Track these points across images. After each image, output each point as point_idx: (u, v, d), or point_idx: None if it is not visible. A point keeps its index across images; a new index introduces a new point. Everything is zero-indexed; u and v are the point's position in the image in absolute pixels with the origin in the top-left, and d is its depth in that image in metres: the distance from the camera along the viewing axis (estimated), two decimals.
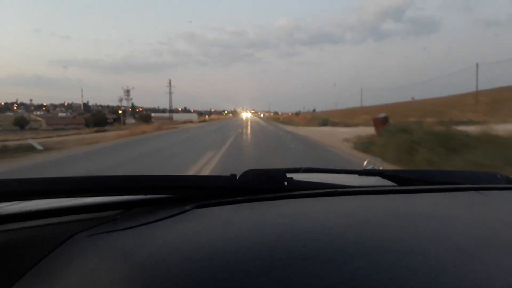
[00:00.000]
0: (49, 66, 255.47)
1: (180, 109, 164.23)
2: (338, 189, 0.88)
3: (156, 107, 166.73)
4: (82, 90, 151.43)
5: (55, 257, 0.65)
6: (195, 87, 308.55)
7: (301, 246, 0.52)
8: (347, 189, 0.89)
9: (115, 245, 0.61)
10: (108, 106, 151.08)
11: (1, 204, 0.81)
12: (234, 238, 0.58)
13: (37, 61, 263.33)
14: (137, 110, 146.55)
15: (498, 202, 0.83)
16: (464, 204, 0.81)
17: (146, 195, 0.82)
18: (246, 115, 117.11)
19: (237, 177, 0.84)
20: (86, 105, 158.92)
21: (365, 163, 1.42)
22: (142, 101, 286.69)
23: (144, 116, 47.18)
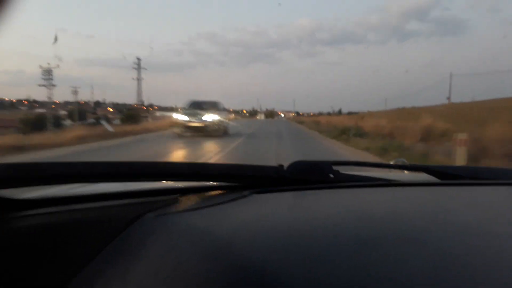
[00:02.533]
0: (74, 65, 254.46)
1: None
2: (392, 181, 0.88)
3: (174, 105, 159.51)
4: (92, 87, 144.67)
5: (127, 237, 0.66)
6: (214, 87, 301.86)
7: (384, 229, 0.52)
8: (401, 182, 0.89)
9: (190, 224, 0.61)
10: (124, 104, 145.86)
11: (67, 186, 0.85)
12: (308, 220, 0.59)
13: (62, 60, 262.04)
14: (150, 109, 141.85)
15: None
16: (504, 199, 0.79)
17: (201, 181, 0.86)
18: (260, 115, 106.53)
19: (284, 167, 0.85)
20: (99, 103, 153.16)
21: (391, 162, 1.34)
22: (161, 100, 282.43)
23: (131, 114, 37.09)
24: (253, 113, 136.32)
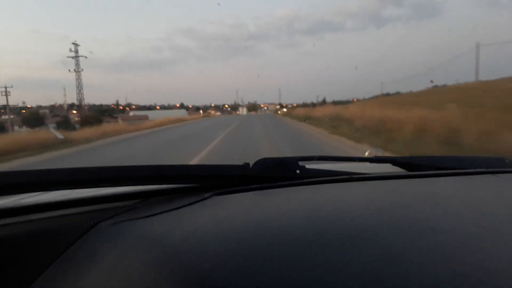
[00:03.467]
0: (49, 67, 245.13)
1: (177, 105, 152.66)
2: (354, 176, 0.89)
3: (153, 104, 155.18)
4: (64, 89, 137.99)
5: (81, 246, 0.65)
6: (195, 82, 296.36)
7: (332, 227, 0.53)
8: (362, 175, 0.90)
9: (143, 232, 0.61)
10: (101, 105, 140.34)
11: (21, 195, 0.82)
12: (261, 221, 0.58)
13: (36, 62, 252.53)
14: (127, 109, 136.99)
15: (502, 186, 0.84)
16: (479, 186, 0.83)
17: (162, 184, 0.83)
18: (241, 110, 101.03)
19: (250, 166, 0.85)
20: (74, 105, 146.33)
21: (367, 152, 1.42)
22: (140, 99, 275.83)
23: (92, 116, 32.90)
24: (234, 107, 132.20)
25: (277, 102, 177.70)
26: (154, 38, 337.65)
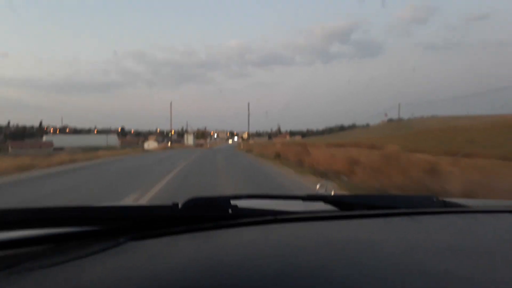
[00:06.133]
0: None
1: (119, 129, 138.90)
2: (278, 217, 0.88)
3: (93, 127, 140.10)
4: None
5: None
6: (143, 107, 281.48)
7: (231, 278, 0.53)
8: (288, 216, 0.91)
9: (40, 285, 0.57)
10: (24, 127, 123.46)
11: None
12: (168, 273, 0.56)
13: None
14: (57, 131, 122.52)
15: (433, 226, 0.86)
16: (400, 229, 0.83)
17: (78, 227, 0.76)
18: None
19: (180, 206, 0.82)
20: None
21: (317, 186, 1.45)
22: (80, 122, 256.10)
23: None
24: (181, 134, 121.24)
25: (228, 130, 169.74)
26: (102, 61, 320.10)
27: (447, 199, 1.11)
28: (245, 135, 44.50)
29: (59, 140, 73.26)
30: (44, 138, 79.17)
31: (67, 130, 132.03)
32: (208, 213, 0.83)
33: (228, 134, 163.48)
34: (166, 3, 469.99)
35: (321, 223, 0.87)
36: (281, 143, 27.53)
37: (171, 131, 70.68)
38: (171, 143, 61.30)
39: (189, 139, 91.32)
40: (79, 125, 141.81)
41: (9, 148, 63.39)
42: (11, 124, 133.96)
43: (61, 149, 53.60)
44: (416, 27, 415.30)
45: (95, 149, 37.49)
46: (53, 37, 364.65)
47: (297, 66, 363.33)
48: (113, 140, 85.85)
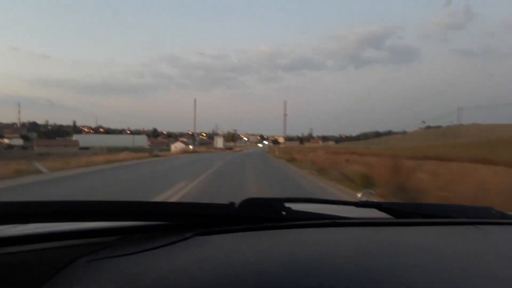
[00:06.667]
0: (28, 86, 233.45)
1: (151, 130, 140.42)
2: (337, 220, 0.89)
3: (126, 127, 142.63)
4: (19, 105, 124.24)
5: (57, 282, 0.64)
6: (174, 109, 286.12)
7: (304, 276, 0.54)
8: (345, 221, 0.91)
9: (118, 271, 0.61)
10: (69, 126, 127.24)
11: (0, 226, 0.80)
12: (239, 266, 0.59)
13: (14, 80, 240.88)
14: (86, 130, 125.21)
15: (493, 236, 0.85)
16: (459, 238, 0.83)
17: (144, 221, 0.82)
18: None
19: (236, 205, 0.84)
20: (31, 124, 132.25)
21: (359, 194, 1.42)
22: (114, 122, 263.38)
23: None
24: (211, 136, 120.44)
25: (258, 133, 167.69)
26: (137, 64, 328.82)
27: (505, 212, 1.06)
28: (281, 139, 40.39)
29: (85, 140, 74.03)
30: (74, 137, 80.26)
31: (101, 130, 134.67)
32: (263, 214, 0.85)
33: (258, 138, 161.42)
34: (200, 9, 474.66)
35: (379, 229, 0.86)
36: (324, 151, 23.54)
37: (195, 132, 67.51)
38: (194, 146, 55.51)
39: (219, 142, 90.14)
40: (112, 125, 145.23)
41: (34, 146, 64.29)
42: (49, 123, 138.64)
43: (86, 148, 53.58)
44: (453, 33, 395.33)
45: (121, 150, 36.28)
46: (91, 40, 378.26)
47: (328, 70, 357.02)
48: (142, 140, 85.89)
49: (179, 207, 0.84)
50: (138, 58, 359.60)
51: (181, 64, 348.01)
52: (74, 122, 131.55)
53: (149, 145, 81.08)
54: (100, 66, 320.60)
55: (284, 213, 0.86)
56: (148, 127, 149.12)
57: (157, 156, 30.26)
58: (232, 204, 0.82)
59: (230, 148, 79.49)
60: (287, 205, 0.88)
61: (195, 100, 55.99)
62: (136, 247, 0.70)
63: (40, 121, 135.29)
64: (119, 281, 0.57)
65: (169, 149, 53.10)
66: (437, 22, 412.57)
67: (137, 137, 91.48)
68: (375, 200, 1.25)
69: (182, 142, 72.94)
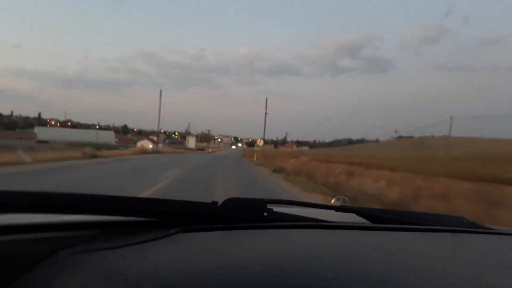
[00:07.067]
0: None
1: (121, 127, 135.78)
2: (318, 223, 0.91)
3: (96, 123, 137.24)
4: None
5: (37, 274, 0.63)
6: (148, 107, 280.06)
7: (286, 276, 0.55)
8: (326, 223, 0.92)
9: (103, 264, 0.60)
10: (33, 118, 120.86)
11: None
12: (222, 264, 0.60)
13: None
14: (52, 122, 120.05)
15: (467, 244, 0.89)
16: (436, 244, 0.86)
17: (126, 216, 0.81)
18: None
19: (218, 204, 0.85)
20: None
21: (333, 200, 1.48)
22: (85, 117, 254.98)
23: None
24: (183, 136, 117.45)
25: (233, 135, 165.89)
26: (112, 59, 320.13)
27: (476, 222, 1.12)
28: (260, 142, 37.39)
29: (47, 133, 69.75)
30: (36, 130, 75.69)
31: (69, 124, 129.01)
32: (244, 214, 0.85)
33: (232, 140, 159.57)
34: (179, 7, 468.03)
35: (360, 232, 0.89)
36: (308, 157, 19.76)
37: (160, 130, 63.07)
38: (156, 146, 49.09)
39: (191, 142, 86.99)
40: (83, 120, 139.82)
41: None
42: (15, 114, 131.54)
43: (45, 142, 50.30)
44: (428, 47, 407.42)
45: (84, 145, 33.47)
46: (65, 32, 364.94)
47: (306, 77, 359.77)
48: (109, 136, 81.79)
49: (161, 204, 0.82)
50: (114, 54, 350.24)
51: (157, 62, 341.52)
52: (39, 114, 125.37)
53: (116, 142, 77.50)
54: (74, 60, 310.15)
55: (265, 214, 0.87)
56: (120, 123, 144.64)
57: (95, 157, 21.03)
58: (214, 203, 0.83)
59: (202, 149, 76.88)
60: (269, 206, 0.88)
61: (160, 91, 50.98)
62: (118, 241, 0.69)
63: (6, 112, 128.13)
64: (101, 275, 0.56)
65: (136, 147, 50.18)
66: (415, 34, 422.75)
67: (103, 132, 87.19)
68: (348, 204, 1.26)
69: (151, 140, 69.27)
